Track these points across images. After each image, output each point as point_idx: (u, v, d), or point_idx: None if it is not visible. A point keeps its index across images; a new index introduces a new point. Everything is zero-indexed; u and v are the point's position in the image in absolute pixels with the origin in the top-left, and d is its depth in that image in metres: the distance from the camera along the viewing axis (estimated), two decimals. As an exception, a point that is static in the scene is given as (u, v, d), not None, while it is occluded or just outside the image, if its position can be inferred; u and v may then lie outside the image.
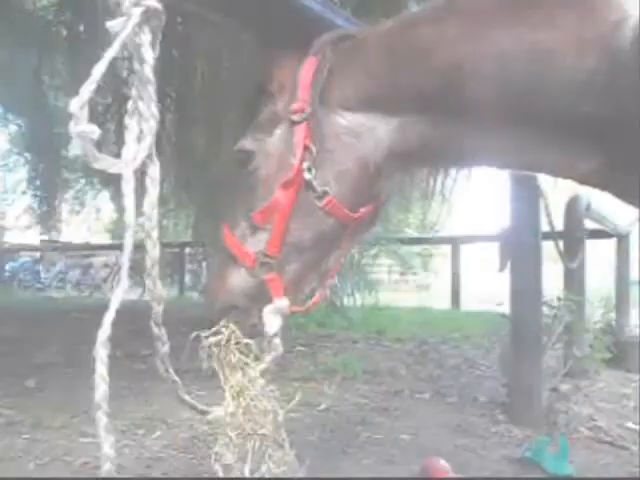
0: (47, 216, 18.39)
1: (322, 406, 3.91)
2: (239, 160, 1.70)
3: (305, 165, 1.55)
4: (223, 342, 1.69)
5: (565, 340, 4.58)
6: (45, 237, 20.10)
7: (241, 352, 1.68)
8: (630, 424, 3.97)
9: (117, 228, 27.23)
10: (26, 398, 3.89)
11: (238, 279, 1.68)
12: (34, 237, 21.56)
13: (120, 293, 1.32)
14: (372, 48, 1.63)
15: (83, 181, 22.44)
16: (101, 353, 1.25)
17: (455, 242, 11.92)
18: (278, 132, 1.65)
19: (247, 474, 1.62)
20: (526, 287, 3.88)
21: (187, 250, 15.30)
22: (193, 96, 7.32)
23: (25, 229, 20.77)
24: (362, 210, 1.64)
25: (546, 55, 1.38)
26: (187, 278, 15.86)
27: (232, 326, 1.69)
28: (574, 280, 5.30)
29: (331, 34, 1.72)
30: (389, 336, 7.25)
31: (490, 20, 1.46)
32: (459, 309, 11.36)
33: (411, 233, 14.84)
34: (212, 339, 1.70)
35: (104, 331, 1.27)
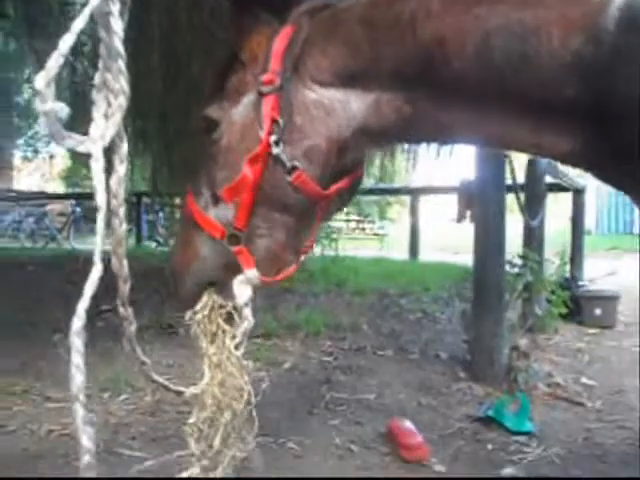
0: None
1: (287, 365, 3.93)
2: (204, 127, 1.64)
3: (273, 138, 1.49)
4: (206, 315, 1.67)
5: (525, 297, 4.67)
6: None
7: (225, 319, 1.67)
8: (585, 379, 4.11)
9: (72, 176, 26.66)
10: None
11: (210, 252, 1.64)
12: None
13: (95, 278, 1.25)
14: (351, 20, 1.55)
15: (36, 127, 21.82)
16: (76, 342, 1.19)
17: (415, 193, 11.95)
18: (245, 102, 1.57)
19: (217, 444, 1.62)
20: (489, 243, 3.91)
21: (143, 200, 15.05)
22: (150, 45, 7.09)
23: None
24: (334, 187, 1.59)
25: (531, 34, 1.33)
26: (144, 228, 15.67)
27: (214, 296, 1.67)
28: (534, 237, 5.39)
29: (311, 2, 1.65)
30: (349, 288, 7.30)
31: None
32: (417, 260, 11.50)
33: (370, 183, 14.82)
34: (198, 316, 1.68)
35: (78, 319, 1.21)
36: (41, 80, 1.13)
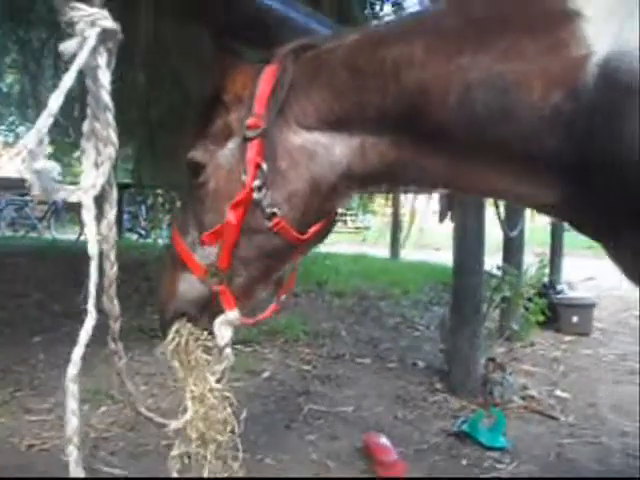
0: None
1: (265, 374, 3.96)
2: (190, 170, 1.66)
3: (256, 184, 1.51)
4: (182, 344, 1.71)
5: (502, 308, 4.74)
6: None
7: (204, 349, 1.70)
8: (559, 392, 4.18)
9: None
10: None
11: (188, 287, 1.67)
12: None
13: (89, 327, 1.27)
14: (336, 64, 1.56)
15: (17, 113, 21.60)
16: (71, 388, 1.22)
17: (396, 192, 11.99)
18: (230, 145, 1.59)
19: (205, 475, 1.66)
20: (468, 250, 3.96)
21: (126, 192, 14.99)
22: (136, 41, 7.09)
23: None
24: (311, 230, 1.61)
25: (512, 88, 1.35)
26: (125, 219, 15.60)
27: (190, 327, 1.71)
28: (513, 248, 5.45)
29: (294, 43, 1.65)
30: (330, 289, 7.36)
31: (457, 44, 1.42)
32: (398, 259, 11.58)
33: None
34: (172, 345, 1.72)
35: (74, 365, 1.23)
36: (32, 139, 1.14)
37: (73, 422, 1.20)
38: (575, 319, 6.08)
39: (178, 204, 9.54)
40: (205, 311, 1.66)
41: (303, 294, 6.96)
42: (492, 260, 4.79)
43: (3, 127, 26.12)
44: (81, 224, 15.51)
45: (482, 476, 2.89)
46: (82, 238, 14.13)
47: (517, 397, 3.92)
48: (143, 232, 15.21)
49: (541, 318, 5.33)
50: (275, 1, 1.76)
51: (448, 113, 1.42)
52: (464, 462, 3.04)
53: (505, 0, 1.46)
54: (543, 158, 1.37)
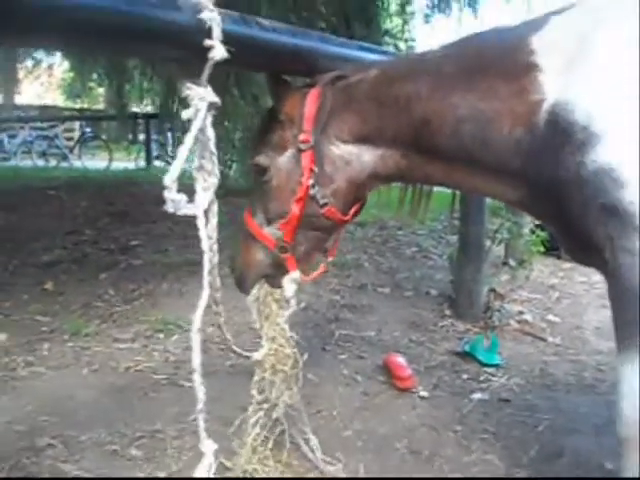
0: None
1: (302, 304, 4.70)
2: (256, 170, 2.33)
3: (311, 182, 2.18)
4: (261, 298, 2.44)
5: (506, 242, 5.39)
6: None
7: (276, 301, 2.43)
8: (551, 316, 4.90)
9: (73, 88, 26.75)
10: (51, 304, 4.49)
11: (264, 256, 2.35)
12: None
13: (205, 296, 1.97)
14: (362, 97, 2.20)
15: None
16: (195, 338, 1.92)
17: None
18: (289, 154, 2.25)
19: (274, 396, 2.40)
20: (473, 210, 4.60)
21: (152, 121, 15.52)
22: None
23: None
24: (351, 212, 2.30)
25: (489, 123, 1.97)
26: (153, 148, 16.19)
27: (268, 287, 2.42)
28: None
29: (327, 75, 2.28)
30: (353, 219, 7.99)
31: (451, 85, 2.05)
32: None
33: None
34: (253, 296, 2.45)
35: (196, 322, 1.94)
36: (168, 180, 1.82)
37: (197, 359, 1.92)
38: (574, 247, 6.67)
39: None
40: (276, 273, 2.36)
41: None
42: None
43: (21, 52, 26.28)
44: (109, 151, 16.05)
45: (478, 386, 3.63)
46: (112, 167, 14.84)
47: (513, 321, 4.65)
48: (170, 160, 15.78)
49: (542, 249, 5.96)
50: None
51: (444, 139, 2.06)
52: (465, 376, 3.78)
53: (488, 52, 2.06)
54: (509, 172, 2.00)
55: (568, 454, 2.86)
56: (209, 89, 1.94)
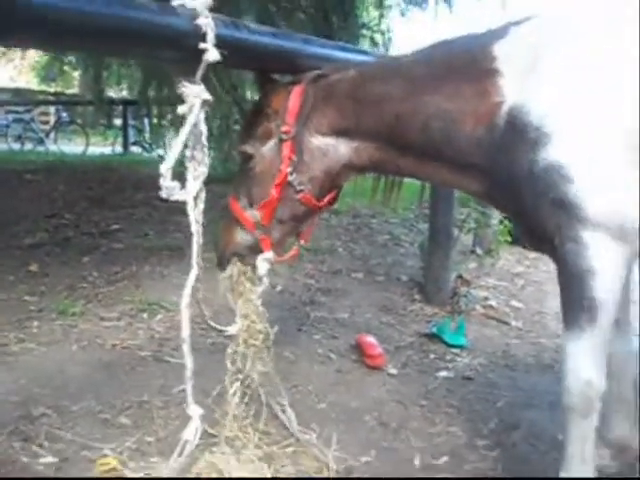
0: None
1: (278, 288, 4.90)
2: (242, 157, 2.54)
3: (289, 170, 2.40)
4: (235, 276, 2.64)
5: (475, 232, 5.65)
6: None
7: (249, 280, 2.63)
8: (515, 302, 5.17)
9: (47, 72, 26.44)
10: (37, 285, 4.62)
11: (242, 236, 2.56)
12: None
13: (193, 277, 2.17)
14: (341, 94, 2.41)
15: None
16: (185, 313, 2.12)
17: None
18: (271, 144, 2.46)
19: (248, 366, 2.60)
20: (442, 202, 4.83)
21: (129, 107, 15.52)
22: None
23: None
24: (325, 199, 2.51)
25: (454, 122, 2.19)
26: (130, 134, 16.20)
27: (241, 266, 2.62)
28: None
29: (310, 74, 2.49)
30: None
31: (421, 86, 2.26)
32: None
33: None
34: (226, 273, 2.65)
35: (185, 298, 2.14)
36: (163, 168, 2.02)
37: (186, 331, 2.13)
38: (539, 238, 6.95)
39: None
40: (251, 253, 2.57)
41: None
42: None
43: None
44: (86, 136, 16.02)
45: (444, 365, 3.87)
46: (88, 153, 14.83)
47: (479, 306, 4.90)
48: (147, 146, 15.86)
49: (509, 239, 6.23)
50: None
51: (414, 135, 2.28)
52: (432, 356, 4.02)
53: (454, 57, 2.28)
54: (472, 166, 2.22)
55: (524, 426, 3.11)
56: (203, 87, 2.14)
